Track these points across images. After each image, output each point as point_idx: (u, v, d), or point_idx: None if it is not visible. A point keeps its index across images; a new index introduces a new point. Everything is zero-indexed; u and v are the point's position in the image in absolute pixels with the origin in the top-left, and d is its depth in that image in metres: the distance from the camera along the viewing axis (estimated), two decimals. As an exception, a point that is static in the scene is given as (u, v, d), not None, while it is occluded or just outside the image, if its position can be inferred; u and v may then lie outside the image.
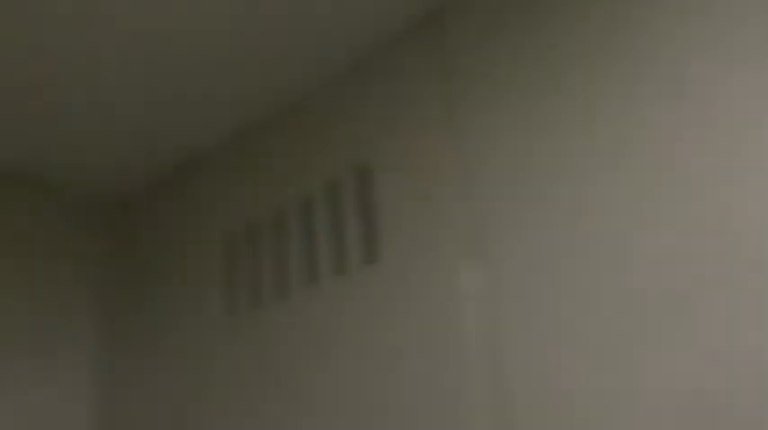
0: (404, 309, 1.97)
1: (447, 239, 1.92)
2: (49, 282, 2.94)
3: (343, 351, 2.09)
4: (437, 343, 1.86)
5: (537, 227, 1.75)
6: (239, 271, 2.53)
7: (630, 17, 1.69)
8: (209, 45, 2.23)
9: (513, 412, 1.68)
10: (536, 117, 1.82)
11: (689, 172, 1.53)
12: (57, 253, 3.00)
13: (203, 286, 2.63)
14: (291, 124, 2.49)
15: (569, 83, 1.78)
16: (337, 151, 2.30)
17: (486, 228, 1.85)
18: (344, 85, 2.34)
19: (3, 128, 2.61)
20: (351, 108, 2.29)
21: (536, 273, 1.73)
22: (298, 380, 2.19)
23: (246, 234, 2.54)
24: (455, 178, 1.95)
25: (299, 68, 2.36)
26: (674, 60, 1.61)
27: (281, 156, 2.49)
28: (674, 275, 1.52)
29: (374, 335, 2.02)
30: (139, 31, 2.16)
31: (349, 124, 2.28)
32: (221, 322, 2.51)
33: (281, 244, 2.42)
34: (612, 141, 1.67)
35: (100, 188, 3.08)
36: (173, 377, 2.62)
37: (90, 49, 2.23)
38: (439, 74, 2.07)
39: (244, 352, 2.39)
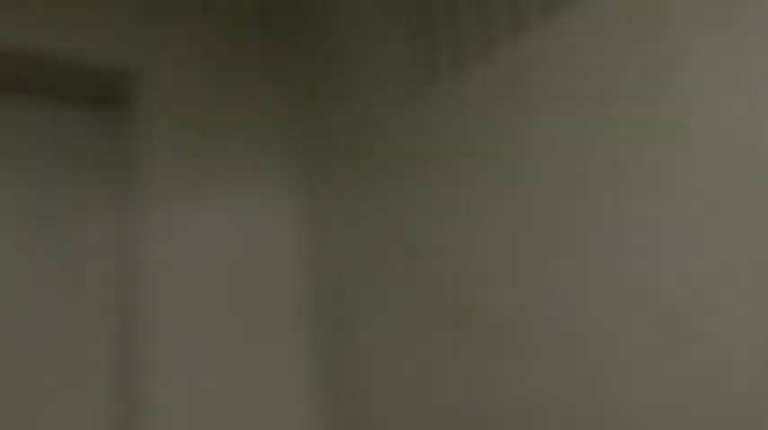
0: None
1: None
2: (237, 90, 2.69)
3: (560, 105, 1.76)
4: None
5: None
6: (435, 30, 2.19)
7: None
8: None
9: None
10: None
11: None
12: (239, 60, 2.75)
13: (393, 57, 2.30)
14: None
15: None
16: None
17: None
18: None
19: None
20: None
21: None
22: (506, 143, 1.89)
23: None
24: None
25: None
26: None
27: None
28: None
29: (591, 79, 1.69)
30: None
31: None
32: (421, 90, 2.19)
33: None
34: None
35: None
36: (371, 158, 2.35)
37: None
38: None
39: (446, 119, 2.10)
